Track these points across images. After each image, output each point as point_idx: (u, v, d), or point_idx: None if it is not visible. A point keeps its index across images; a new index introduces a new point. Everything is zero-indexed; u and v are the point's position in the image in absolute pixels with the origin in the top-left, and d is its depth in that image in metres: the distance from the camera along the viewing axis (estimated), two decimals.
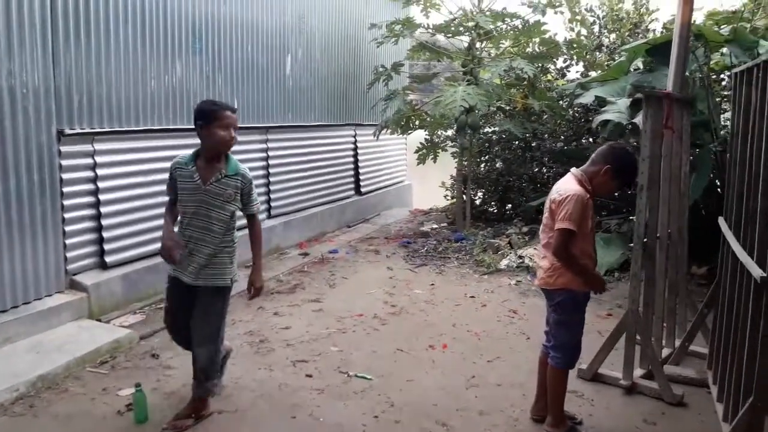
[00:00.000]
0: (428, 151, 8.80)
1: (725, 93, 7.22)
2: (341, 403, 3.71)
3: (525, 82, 8.21)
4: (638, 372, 4.03)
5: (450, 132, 9.03)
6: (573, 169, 3.27)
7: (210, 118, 3.13)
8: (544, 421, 3.42)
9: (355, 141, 9.32)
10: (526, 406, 3.65)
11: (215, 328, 3.35)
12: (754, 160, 3.04)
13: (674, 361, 4.26)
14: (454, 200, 9.76)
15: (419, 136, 9.12)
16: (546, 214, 3.22)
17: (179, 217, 3.35)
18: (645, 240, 3.91)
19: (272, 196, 7.33)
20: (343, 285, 6.15)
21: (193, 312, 3.30)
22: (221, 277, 3.33)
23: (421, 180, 11.60)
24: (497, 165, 9.06)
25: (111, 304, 5.02)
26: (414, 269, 6.74)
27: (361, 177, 9.48)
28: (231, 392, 3.80)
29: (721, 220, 3.89)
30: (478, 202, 9.34)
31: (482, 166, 9.33)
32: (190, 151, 3.31)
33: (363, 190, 9.58)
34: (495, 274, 6.51)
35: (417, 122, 8.64)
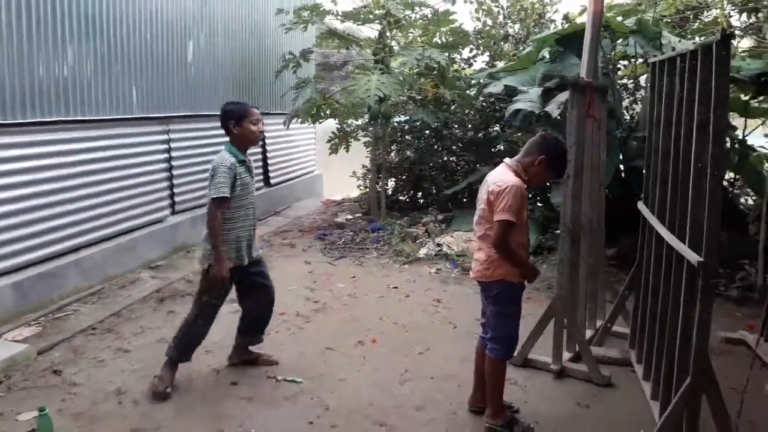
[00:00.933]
0: (340, 140, 8.61)
1: (621, 82, 7.58)
2: (272, 410, 3.48)
3: (435, 72, 8.21)
4: (566, 355, 4.09)
5: (361, 121, 8.89)
6: (507, 160, 3.22)
7: (241, 117, 3.56)
8: (483, 412, 3.38)
9: (263, 131, 8.94)
10: (463, 397, 3.59)
11: None
12: (681, 149, 3.10)
13: (597, 342, 4.37)
14: (367, 190, 9.66)
15: (327, 125, 8.89)
16: (482, 206, 3.15)
17: (227, 217, 3.56)
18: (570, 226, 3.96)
19: (176, 190, 6.86)
20: None
21: (260, 276, 3.87)
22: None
23: (326, 170, 11.40)
24: (408, 154, 9.02)
25: (1, 317, 4.46)
26: (333, 262, 6.56)
27: (270, 168, 9.14)
28: (149, 407, 3.46)
29: (641, 205, 4.00)
30: (390, 191, 9.28)
31: (394, 155, 9.27)
32: (222, 151, 3.59)
33: (272, 181, 9.24)
34: (415, 264, 6.46)
35: (328, 111, 8.42)
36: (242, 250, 3.67)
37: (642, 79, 7.64)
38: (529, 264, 3.19)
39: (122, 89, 5.81)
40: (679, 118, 3.28)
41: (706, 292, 2.68)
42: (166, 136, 6.64)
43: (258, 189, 8.74)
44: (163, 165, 6.61)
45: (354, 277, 6.05)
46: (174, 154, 6.75)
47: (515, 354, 4.03)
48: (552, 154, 3.12)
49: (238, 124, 3.57)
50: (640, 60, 6.38)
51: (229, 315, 4.92)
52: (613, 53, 6.75)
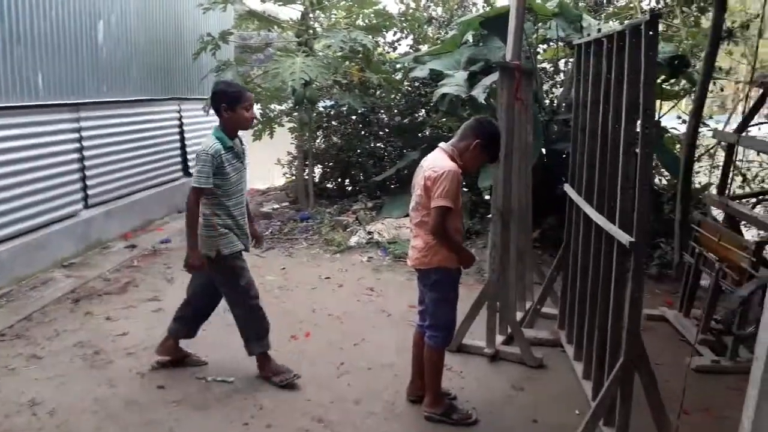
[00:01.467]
0: (264, 126, 8.34)
1: (541, 66, 7.72)
2: (203, 413, 3.31)
3: (360, 55, 8.08)
4: (498, 338, 4.13)
5: (285, 106, 8.64)
6: (442, 144, 3.17)
7: (236, 101, 3.38)
8: (421, 401, 3.35)
9: (181, 117, 8.54)
10: (400, 387, 3.56)
11: None
12: (611, 130, 3.14)
13: (528, 324, 4.44)
14: (294, 178, 9.44)
15: None
16: (418, 192, 3.08)
17: (216, 203, 3.44)
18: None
19: (89, 182, 6.41)
20: (182, 279, 5.50)
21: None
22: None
23: (247, 158, 11.03)
24: (335, 140, 8.87)
25: None
26: (261, 254, 6.34)
27: (189, 156, 8.74)
28: (67, 417, 3.21)
29: (568, 188, 4.06)
30: (317, 179, 9.10)
31: (320, 141, 9.09)
32: (208, 136, 3.40)
33: (192, 170, 8.84)
34: (346, 252, 6.37)
35: None
36: (240, 237, 3.56)
37: (561, 63, 7.83)
38: (466, 249, 3.17)
39: (26, 74, 5.34)
40: (607, 99, 3.33)
41: (637, 271, 2.74)
42: (76, 124, 6.18)
43: (176, 179, 8.38)
44: (75, 155, 6.16)
45: (284, 268, 5.89)
46: (86, 143, 6.29)
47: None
48: (487, 138, 3.10)
49: (230, 109, 3.39)
50: (562, 43, 6.49)
51: (150, 314, 4.69)
52: (535, 36, 6.85)
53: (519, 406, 3.44)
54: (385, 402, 3.46)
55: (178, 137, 8.49)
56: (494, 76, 5.97)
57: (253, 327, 3.62)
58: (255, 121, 8.28)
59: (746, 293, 2.24)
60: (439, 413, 3.26)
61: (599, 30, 4.34)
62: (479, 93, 5.92)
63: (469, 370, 3.85)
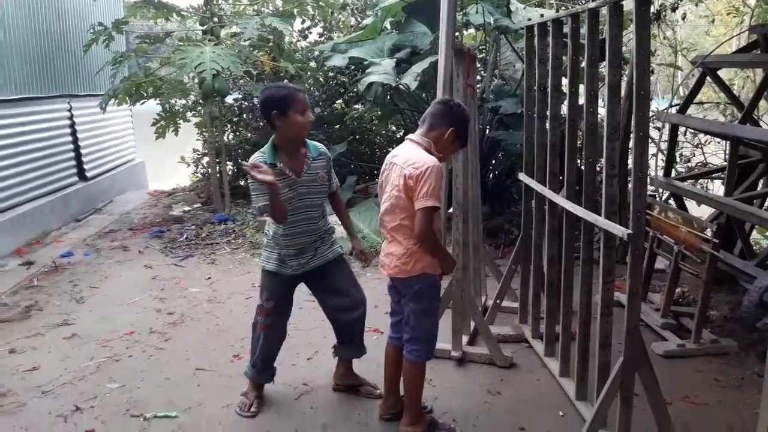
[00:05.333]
0: (167, 122, 7.63)
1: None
2: None
3: (270, 44, 7.57)
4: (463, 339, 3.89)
5: (189, 100, 7.96)
6: (411, 136, 2.84)
7: (286, 105, 2.84)
8: (397, 418, 3.05)
9: (72, 115, 7.64)
10: (370, 405, 3.24)
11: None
12: (586, 113, 2.97)
13: (488, 320, 4.24)
14: (201, 177, 8.77)
15: (146, 108, 7.78)
16: (395, 193, 2.72)
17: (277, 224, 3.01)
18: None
19: None
20: (93, 297, 4.92)
21: (330, 283, 3.21)
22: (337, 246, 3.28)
23: (146, 157, 10.20)
24: (249, 135, 8.29)
25: None
26: (180, 263, 5.75)
27: (84, 159, 7.86)
28: None
29: (524, 176, 3.88)
30: (230, 176, 8.48)
31: (231, 137, 8.47)
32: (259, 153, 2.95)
33: (89, 174, 7.98)
34: None
35: (150, 90, 7.39)
36: (291, 259, 3.11)
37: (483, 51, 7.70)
38: (449, 253, 2.89)
39: None
40: (574, 82, 3.16)
41: (636, 265, 2.57)
42: None
43: (71, 185, 7.52)
44: None
45: (209, 278, 5.35)
46: None
47: None
48: (461, 123, 2.81)
49: (281, 115, 2.86)
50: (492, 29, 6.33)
51: (63, 341, 4.05)
52: (462, 21, 6.65)
53: (500, 413, 3.21)
54: (358, 424, 3.12)
55: (70, 138, 7.59)
56: (424, 64, 5.74)
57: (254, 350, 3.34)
58: (157, 117, 7.63)
59: (766, 284, 2.12)
60: (421, 430, 2.96)
61: (541, 15, 4.19)
62: (410, 81, 5.65)
63: (438, 377, 3.57)
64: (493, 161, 7.11)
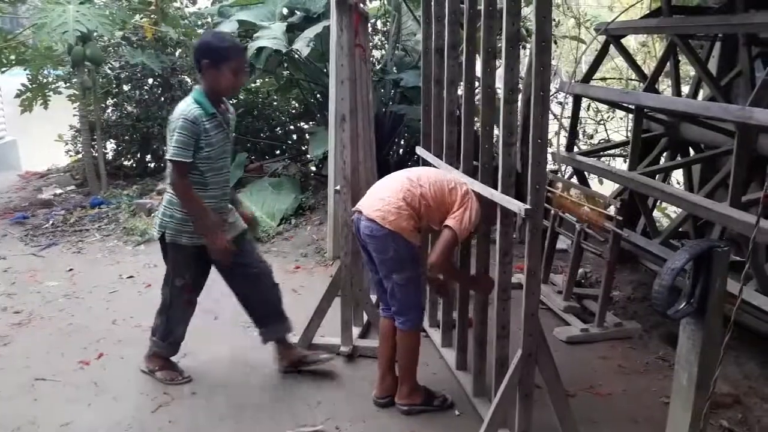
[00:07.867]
0: (34, 94, 6.74)
1: None
2: None
3: (152, 7, 6.81)
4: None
5: (63, 70, 7.07)
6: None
7: (221, 58, 2.70)
8: (392, 401, 2.87)
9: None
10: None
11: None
12: (483, 77, 2.60)
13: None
14: (80, 156, 7.86)
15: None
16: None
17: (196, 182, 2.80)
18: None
19: None
20: None
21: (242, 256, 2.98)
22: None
23: (22, 134, 9.14)
24: (130, 109, 7.47)
25: None
26: (39, 253, 5.00)
27: None
28: None
29: (421, 150, 3.50)
30: (110, 156, 7.65)
31: (111, 111, 7.61)
32: (185, 99, 2.77)
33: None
34: (153, 242, 5.21)
35: (13, 57, 6.47)
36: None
37: (379, 23, 7.29)
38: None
39: None
40: (472, 39, 2.79)
41: (535, 244, 2.24)
42: None
43: None
44: None
45: (71, 270, 4.65)
46: None
47: (298, 340, 3.34)
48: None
49: (213, 66, 2.70)
50: None
51: None
52: None
53: (390, 415, 2.84)
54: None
55: None
56: (317, 28, 5.26)
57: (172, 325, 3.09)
58: (22, 88, 6.72)
59: (680, 265, 1.88)
60: (419, 402, 2.83)
61: None
62: (302, 46, 5.16)
63: (324, 375, 3.15)
64: (396, 139, 6.73)
